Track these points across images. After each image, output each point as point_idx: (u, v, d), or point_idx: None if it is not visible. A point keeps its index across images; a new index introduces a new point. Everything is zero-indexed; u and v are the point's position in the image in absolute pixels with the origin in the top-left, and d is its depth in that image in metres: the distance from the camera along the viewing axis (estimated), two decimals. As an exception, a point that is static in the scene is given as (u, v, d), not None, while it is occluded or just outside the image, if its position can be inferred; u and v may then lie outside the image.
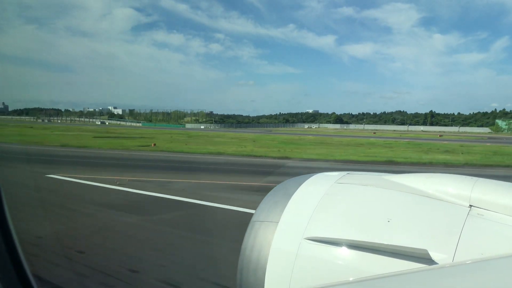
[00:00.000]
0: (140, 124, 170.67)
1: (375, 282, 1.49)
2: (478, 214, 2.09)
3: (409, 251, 1.87)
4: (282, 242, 2.26)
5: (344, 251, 2.06)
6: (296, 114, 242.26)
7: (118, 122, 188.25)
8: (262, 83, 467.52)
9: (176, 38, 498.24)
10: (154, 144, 46.45)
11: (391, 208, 2.26)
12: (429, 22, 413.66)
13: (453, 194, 2.25)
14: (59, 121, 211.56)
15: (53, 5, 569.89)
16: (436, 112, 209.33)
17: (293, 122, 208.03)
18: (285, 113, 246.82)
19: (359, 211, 2.33)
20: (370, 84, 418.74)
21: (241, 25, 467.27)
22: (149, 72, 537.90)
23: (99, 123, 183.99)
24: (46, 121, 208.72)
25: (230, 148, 45.19)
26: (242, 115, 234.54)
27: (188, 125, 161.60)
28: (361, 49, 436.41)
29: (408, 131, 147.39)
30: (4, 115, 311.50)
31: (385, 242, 1.95)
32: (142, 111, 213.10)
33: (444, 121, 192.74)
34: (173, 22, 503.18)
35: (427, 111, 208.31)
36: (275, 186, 2.84)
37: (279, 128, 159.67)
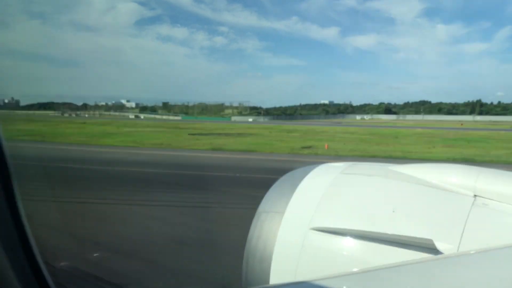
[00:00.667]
0: (180, 118, 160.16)
1: (380, 272, 1.48)
2: (483, 204, 2.10)
3: (414, 241, 1.87)
4: (288, 233, 2.26)
5: (349, 241, 2.08)
6: (315, 105, 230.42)
7: (153, 116, 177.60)
8: (267, 75, 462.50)
9: (180, 32, 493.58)
10: (327, 146, 36.14)
11: (396, 198, 2.26)
12: (432, 13, 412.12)
13: (458, 184, 2.24)
14: (86, 115, 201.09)
15: (58, 0, 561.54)
16: (444, 101, 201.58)
17: (333, 113, 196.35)
18: (304, 104, 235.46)
19: (364, 201, 2.33)
20: (374, 75, 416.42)
21: (245, 18, 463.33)
22: (154, 66, 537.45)
23: (133, 117, 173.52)
24: (74, 115, 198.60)
25: (433, 150, 34.86)
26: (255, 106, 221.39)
27: (234, 118, 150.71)
28: (364, 40, 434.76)
29: (476, 121, 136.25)
30: (17, 109, 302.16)
31: (390, 232, 1.96)
32: (176, 104, 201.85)
33: (495, 110, 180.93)
34: (177, 16, 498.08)
35: (434, 100, 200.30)
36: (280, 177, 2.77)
37: (343, 120, 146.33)
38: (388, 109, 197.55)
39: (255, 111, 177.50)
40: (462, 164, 2.53)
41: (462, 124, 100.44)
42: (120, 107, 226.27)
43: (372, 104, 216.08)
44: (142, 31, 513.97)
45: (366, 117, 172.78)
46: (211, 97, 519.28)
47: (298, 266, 2.13)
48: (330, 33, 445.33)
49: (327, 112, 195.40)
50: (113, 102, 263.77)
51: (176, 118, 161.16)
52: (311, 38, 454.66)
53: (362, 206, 2.29)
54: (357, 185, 2.51)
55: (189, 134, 56.21)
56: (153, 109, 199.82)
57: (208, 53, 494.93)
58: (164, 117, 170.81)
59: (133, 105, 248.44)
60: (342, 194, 2.43)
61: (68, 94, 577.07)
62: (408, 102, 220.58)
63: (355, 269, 1.85)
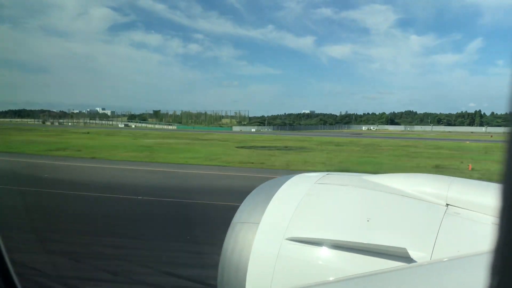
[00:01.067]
0: (175, 127, 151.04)
1: (355, 281, 1.50)
2: (454, 212, 2.16)
3: (388, 250, 1.90)
4: (263, 243, 2.27)
5: (324, 251, 2.09)
6: (301, 114, 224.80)
7: (145, 125, 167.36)
8: (242, 84, 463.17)
9: (154, 39, 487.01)
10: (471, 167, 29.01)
11: (370, 208, 2.30)
12: (405, 23, 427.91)
13: (431, 194, 2.30)
14: (70, 123, 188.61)
15: (27, 4, 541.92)
16: (417, 111, 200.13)
17: (331, 123, 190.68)
18: (288, 113, 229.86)
19: (339, 211, 2.36)
20: (349, 85, 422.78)
21: (220, 25, 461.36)
22: (127, 73, 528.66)
23: (123, 125, 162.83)
24: (56, 123, 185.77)
25: None
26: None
27: (235, 128, 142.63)
28: (339, 50, 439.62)
29: (488, 132, 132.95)
30: None
31: (365, 242, 1.98)
32: (167, 112, 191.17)
33: (497, 121, 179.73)
34: (151, 22, 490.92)
35: (419, 110, 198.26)
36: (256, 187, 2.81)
37: (356, 131, 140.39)
38: (391, 119, 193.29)
39: (256, 120, 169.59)
40: (435, 174, 2.58)
41: (491, 136, 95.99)
42: (105, 116, 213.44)
43: (352, 114, 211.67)
44: (115, 37, 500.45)
45: (373, 127, 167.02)
46: (186, 105, 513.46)
47: (274, 276, 2.12)
48: (305, 42, 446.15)
49: (324, 122, 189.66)
50: (88, 109, 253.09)
51: (171, 127, 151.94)
52: (287, 47, 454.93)
53: (337, 215, 2.30)
54: (331, 195, 2.49)
55: (236, 147, 48.36)
56: (142, 118, 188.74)
57: (182, 60, 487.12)
58: (157, 126, 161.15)
59: (109, 113, 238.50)
60: (317, 204, 2.42)
61: (39, 101, 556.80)
62: (394, 112, 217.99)
63: (330, 279, 1.92)
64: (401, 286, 1.38)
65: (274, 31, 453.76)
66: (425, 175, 2.56)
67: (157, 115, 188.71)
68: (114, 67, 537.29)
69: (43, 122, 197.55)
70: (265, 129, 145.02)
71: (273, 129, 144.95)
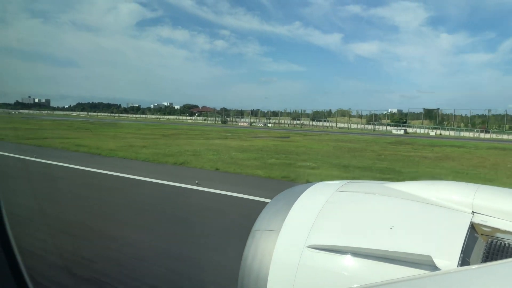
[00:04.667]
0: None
1: None
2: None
3: (412, 258, 1.87)
4: (283, 251, 2.25)
5: (346, 258, 2.06)
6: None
7: (396, 130, 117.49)
8: (268, 80, 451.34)
9: (181, 34, 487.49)
10: None
11: (393, 215, 2.27)
12: (436, 21, 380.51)
13: (456, 201, 2.27)
14: (270, 125, 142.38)
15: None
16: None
17: None
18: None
19: (361, 218, 2.34)
20: (375, 83, 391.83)
21: (247, 22, 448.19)
22: (154, 68, 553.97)
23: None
24: (258, 123, 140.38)
25: None
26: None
27: None
28: (367, 48, 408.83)
29: None
30: (50, 110, 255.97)
31: (388, 249, 1.95)
32: (452, 113, 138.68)
33: None
34: (178, 18, 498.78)
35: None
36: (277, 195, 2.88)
37: None
38: None
39: None
40: (459, 182, 2.54)
41: None
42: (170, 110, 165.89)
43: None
44: (143, 33, 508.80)
45: None
46: (210, 101, 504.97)
47: (295, 284, 2.09)
48: (332, 40, 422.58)
49: None
50: (156, 104, 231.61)
51: (469, 135, 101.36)
52: (313, 44, 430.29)
53: (359, 223, 2.26)
54: (353, 202, 2.48)
55: None
56: (377, 119, 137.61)
57: (208, 56, 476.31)
58: (437, 132, 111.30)
59: (178, 107, 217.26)
60: (339, 211, 2.39)
61: (71, 94, 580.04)
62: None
63: (354, 286, 1.90)
64: None
65: (301, 27, 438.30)
66: (449, 182, 2.49)
67: (432, 116, 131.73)
68: (141, 62, 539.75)
69: (225, 122, 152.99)
70: None
71: None
